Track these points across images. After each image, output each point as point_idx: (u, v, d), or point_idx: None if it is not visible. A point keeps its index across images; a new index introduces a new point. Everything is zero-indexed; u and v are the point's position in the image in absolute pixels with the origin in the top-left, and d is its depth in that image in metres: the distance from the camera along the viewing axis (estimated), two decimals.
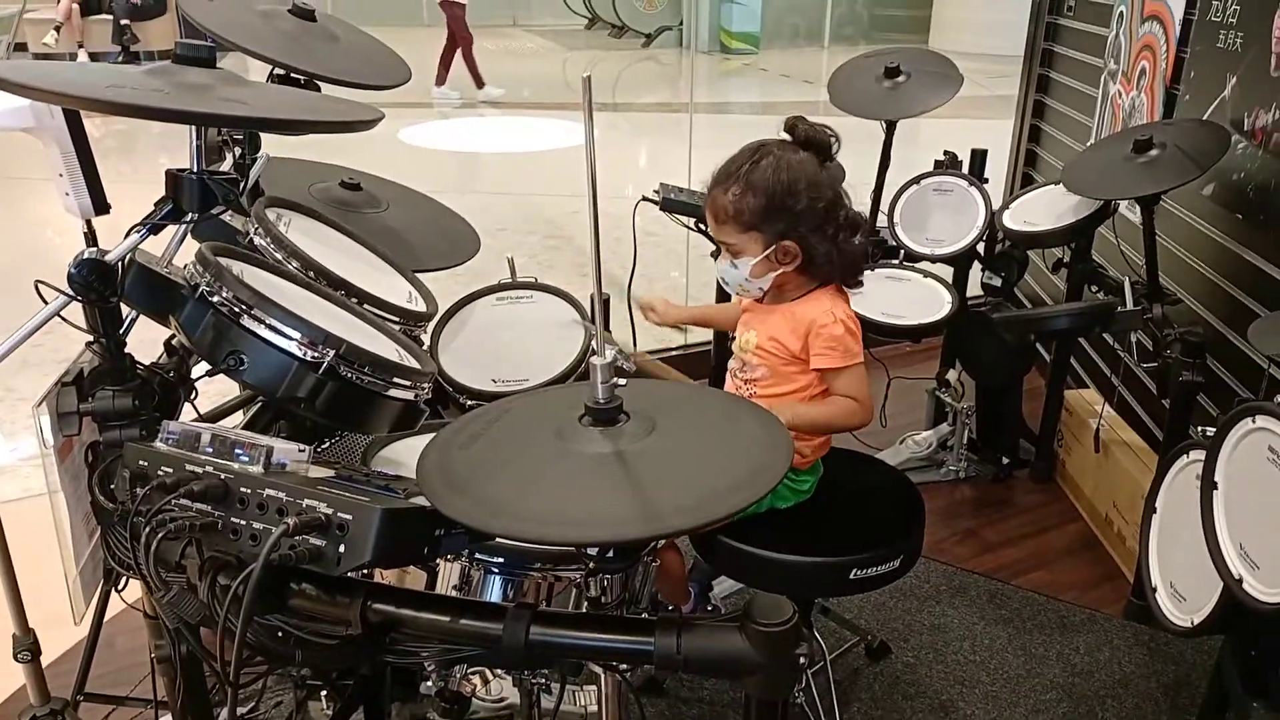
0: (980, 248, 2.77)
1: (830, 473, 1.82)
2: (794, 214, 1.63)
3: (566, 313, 2.02)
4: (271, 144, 1.77)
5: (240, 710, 1.83)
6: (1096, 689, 2.17)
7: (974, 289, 2.92)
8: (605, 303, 1.54)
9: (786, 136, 1.70)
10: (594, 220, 1.03)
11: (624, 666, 1.25)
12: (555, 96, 9.45)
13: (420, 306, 1.64)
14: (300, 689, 1.84)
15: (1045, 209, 2.63)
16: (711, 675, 1.98)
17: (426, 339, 1.84)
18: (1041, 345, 3.33)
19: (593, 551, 1.22)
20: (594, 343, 1.34)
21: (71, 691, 1.81)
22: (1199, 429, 1.70)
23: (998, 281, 2.82)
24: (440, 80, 8.72)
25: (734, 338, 1.84)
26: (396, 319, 1.51)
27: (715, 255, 1.83)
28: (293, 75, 1.64)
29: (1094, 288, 2.64)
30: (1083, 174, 2.44)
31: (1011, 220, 2.67)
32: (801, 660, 0.96)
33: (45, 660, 1.56)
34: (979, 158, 2.85)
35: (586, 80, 0.98)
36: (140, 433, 1.18)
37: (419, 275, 1.75)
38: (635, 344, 2.45)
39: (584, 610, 1.33)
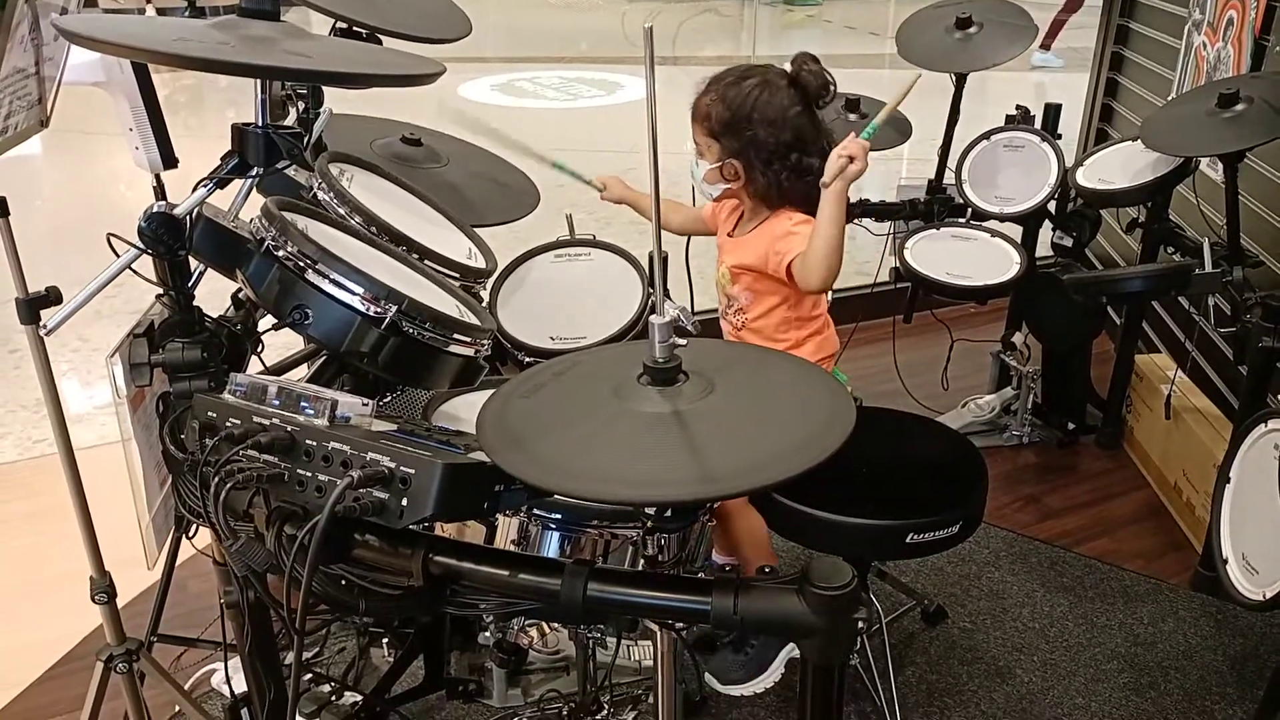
0: (1051, 206, 2.69)
1: (890, 434, 1.79)
2: (747, 139, 1.74)
3: (625, 270, 2.01)
4: (333, 99, 1.78)
5: (305, 655, 1.89)
6: (1160, 659, 2.13)
7: (1043, 249, 2.84)
8: (664, 260, 1.54)
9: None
10: (654, 176, 1.01)
11: (680, 625, 1.25)
12: (614, 50, 9.34)
13: (480, 263, 1.65)
14: (363, 636, 1.89)
15: (1121, 166, 2.53)
16: (768, 635, 1.99)
17: (486, 295, 1.84)
18: (1112, 308, 3.24)
19: (650, 510, 1.22)
20: (653, 301, 1.33)
21: (146, 632, 1.88)
22: (1278, 397, 1.64)
23: (1069, 241, 2.73)
24: (1045, 44, 7.83)
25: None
26: (456, 275, 1.52)
27: None
28: (355, 29, 1.64)
29: (1170, 249, 2.54)
30: (1163, 129, 2.34)
31: (1085, 178, 2.57)
32: (860, 625, 0.95)
33: (121, 600, 1.61)
34: (1053, 112, 2.75)
35: (648, 31, 0.96)
36: (209, 384, 1.20)
37: (479, 230, 1.75)
38: (692, 301, 2.43)
39: (640, 568, 1.34)
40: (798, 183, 1.75)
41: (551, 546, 1.38)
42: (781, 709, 1.99)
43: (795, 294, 1.81)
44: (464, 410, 1.51)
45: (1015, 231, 2.70)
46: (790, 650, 2.06)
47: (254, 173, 1.23)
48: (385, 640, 1.87)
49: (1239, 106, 2.12)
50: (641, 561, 1.34)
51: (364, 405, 1.05)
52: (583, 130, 7.03)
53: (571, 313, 1.94)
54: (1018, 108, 2.78)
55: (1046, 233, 2.79)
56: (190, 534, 1.44)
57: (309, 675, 1.82)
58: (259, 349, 1.38)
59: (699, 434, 0.97)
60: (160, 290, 1.23)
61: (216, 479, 0.99)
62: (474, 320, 1.35)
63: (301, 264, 1.17)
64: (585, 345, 1.88)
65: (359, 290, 1.16)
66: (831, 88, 1.78)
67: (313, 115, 1.72)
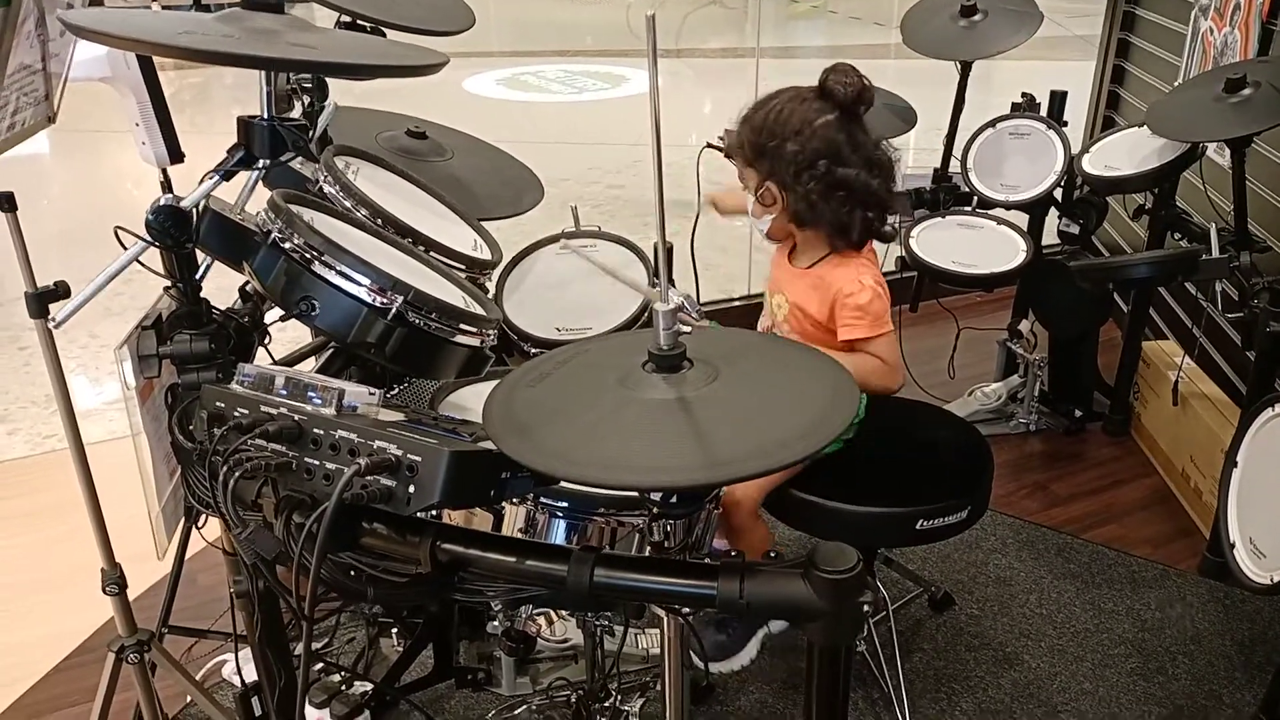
0: (1058, 193, 2.68)
1: (897, 423, 1.79)
2: (775, 157, 1.67)
3: (630, 261, 2.02)
4: (338, 93, 1.79)
5: (314, 646, 1.90)
6: (1167, 645, 2.13)
7: (1050, 237, 2.83)
8: (669, 251, 1.54)
9: None
10: (658, 165, 1.01)
11: (687, 610, 1.26)
12: (618, 43, 9.33)
13: (485, 254, 1.65)
14: (372, 626, 1.90)
15: (1127, 153, 2.52)
16: (775, 619, 2.00)
17: (491, 286, 1.85)
18: (1119, 295, 3.23)
19: (656, 497, 1.23)
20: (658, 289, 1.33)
21: (156, 624, 1.90)
22: None
23: (1075, 229, 2.73)
24: None
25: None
26: (462, 266, 1.52)
27: None
28: (359, 22, 1.65)
29: (1177, 235, 2.54)
30: (1169, 115, 2.34)
31: (1091, 165, 2.57)
32: (866, 609, 0.95)
33: (131, 594, 1.62)
34: (1058, 99, 2.74)
35: (650, 19, 0.96)
36: (217, 375, 1.21)
37: (484, 223, 1.76)
38: (698, 293, 2.43)
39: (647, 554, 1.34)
40: (830, 198, 1.65)
41: (558, 535, 1.38)
42: (788, 694, 1.99)
43: (845, 349, 1.72)
44: (470, 400, 1.52)
45: (1021, 219, 2.70)
46: (764, 631, 2.07)
47: (260, 165, 1.23)
48: (394, 630, 1.88)
49: (1246, 91, 2.11)
50: (648, 549, 1.34)
51: (371, 394, 1.05)
52: (588, 123, 7.03)
53: (577, 304, 1.94)
54: (1023, 95, 2.77)
55: (1053, 220, 2.78)
56: (200, 525, 1.46)
57: (319, 664, 1.83)
58: (266, 340, 1.39)
59: (704, 420, 0.98)
60: (168, 283, 1.24)
61: (225, 468, 0.99)
62: (480, 311, 1.35)
63: (308, 255, 1.17)
64: (590, 336, 1.88)
65: (365, 281, 1.17)
66: (869, 93, 1.68)
67: (318, 109, 1.72)
